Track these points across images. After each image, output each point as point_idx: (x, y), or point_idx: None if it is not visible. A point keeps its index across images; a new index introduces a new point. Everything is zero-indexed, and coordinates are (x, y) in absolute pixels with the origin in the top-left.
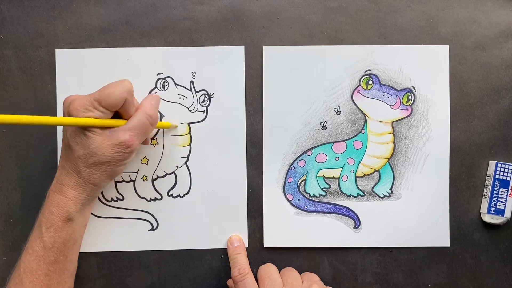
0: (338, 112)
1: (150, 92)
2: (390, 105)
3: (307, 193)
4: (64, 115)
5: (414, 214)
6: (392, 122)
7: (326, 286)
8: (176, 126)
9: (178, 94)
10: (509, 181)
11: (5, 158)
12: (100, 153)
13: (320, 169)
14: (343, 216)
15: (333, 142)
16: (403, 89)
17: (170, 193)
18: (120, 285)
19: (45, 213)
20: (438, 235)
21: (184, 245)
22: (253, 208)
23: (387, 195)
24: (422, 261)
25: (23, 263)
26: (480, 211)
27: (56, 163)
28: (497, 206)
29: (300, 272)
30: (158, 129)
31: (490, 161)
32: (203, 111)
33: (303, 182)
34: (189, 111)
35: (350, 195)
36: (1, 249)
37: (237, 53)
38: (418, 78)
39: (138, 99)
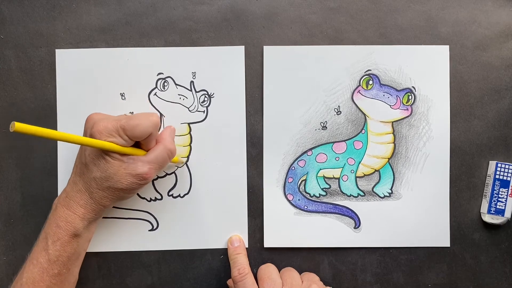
0: (338, 112)
1: (150, 92)
2: (390, 105)
3: (307, 193)
4: (85, 133)
5: (414, 214)
6: (392, 122)
7: (326, 286)
8: (183, 162)
9: (178, 94)
10: (509, 181)
11: (5, 158)
12: (115, 178)
13: (320, 169)
14: (343, 216)
15: (333, 142)
16: (403, 89)
17: (170, 193)
18: (120, 285)
19: (52, 226)
20: (438, 235)
21: (184, 245)
22: (253, 208)
23: (387, 195)
24: (422, 261)
25: (26, 273)
26: (480, 211)
27: (56, 163)
28: (497, 206)
29: (300, 272)
30: (158, 129)
31: (490, 161)
32: (203, 111)
33: (303, 182)
34: (189, 111)
35: (350, 195)
36: (1, 249)
37: (237, 53)
38: (418, 78)
39: (138, 99)
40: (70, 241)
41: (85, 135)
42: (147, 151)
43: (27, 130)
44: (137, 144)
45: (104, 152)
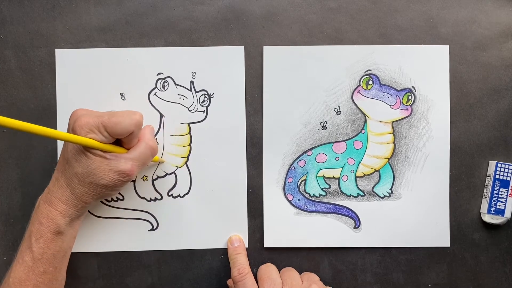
0: (338, 112)
1: (150, 92)
2: (390, 105)
3: (307, 193)
4: (68, 128)
5: (414, 214)
6: (392, 122)
7: (326, 286)
8: (164, 161)
9: (178, 94)
10: (509, 181)
11: (5, 158)
12: (97, 174)
13: (320, 169)
14: (343, 216)
15: (333, 142)
16: (403, 89)
17: (170, 193)
18: (120, 285)
19: (35, 224)
20: (438, 235)
21: (184, 245)
22: (253, 208)
23: (387, 195)
24: (422, 261)
25: (13, 273)
26: (480, 211)
27: (56, 163)
28: (497, 206)
29: (300, 272)
30: (158, 129)
31: (490, 161)
32: (203, 111)
33: (303, 182)
34: (189, 111)
35: (350, 195)
36: (1, 249)
37: (237, 53)
38: (418, 78)
39: (138, 99)
40: (53, 238)
41: (68, 130)
42: (127, 149)
43: (3, 122)
44: (118, 142)
45: (85, 148)
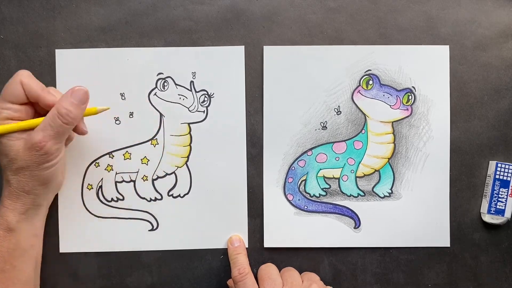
0: (338, 112)
1: (150, 92)
2: (390, 105)
3: (307, 193)
4: None
5: (414, 214)
6: (392, 122)
7: (326, 286)
8: (108, 108)
9: (178, 94)
10: (509, 181)
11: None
12: (19, 158)
13: (320, 169)
14: (343, 216)
15: (333, 142)
16: (403, 89)
17: (170, 193)
18: (120, 285)
19: None
20: (438, 235)
21: (184, 245)
22: (253, 208)
23: (387, 195)
24: (422, 261)
25: None
26: (480, 211)
27: None
28: (497, 206)
29: (300, 272)
30: (158, 129)
31: (490, 161)
32: (203, 111)
33: (303, 182)
34: (189, 111)
35: (350, 195)
36: None
37: (237, 53)
38: (418, 78)
39: (138, 99)
40: (5, 235)
41: None
42: None
43: None
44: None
45: (2, 136)
